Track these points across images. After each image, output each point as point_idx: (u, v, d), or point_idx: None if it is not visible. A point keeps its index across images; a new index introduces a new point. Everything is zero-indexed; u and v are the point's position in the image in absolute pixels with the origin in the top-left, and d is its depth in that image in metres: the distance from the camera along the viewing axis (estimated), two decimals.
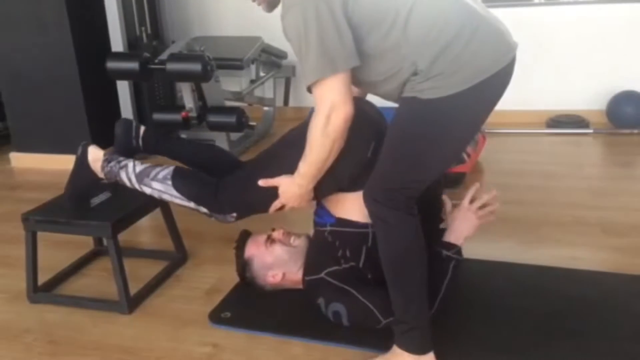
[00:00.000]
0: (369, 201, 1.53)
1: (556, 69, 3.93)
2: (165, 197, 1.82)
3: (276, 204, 1.76)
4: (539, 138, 3.72)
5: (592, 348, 1.66)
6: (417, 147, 1.46)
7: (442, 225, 1.84)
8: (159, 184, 1.81)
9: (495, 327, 1.77)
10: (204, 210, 1.80)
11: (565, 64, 3.91)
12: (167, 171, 1.82)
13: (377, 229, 1.55)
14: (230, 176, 1.85)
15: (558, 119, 3.86)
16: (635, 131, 3.67)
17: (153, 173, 1.83)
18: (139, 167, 1.85)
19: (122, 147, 1.98)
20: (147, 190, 1.83)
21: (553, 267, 2.09)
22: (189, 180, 1.83)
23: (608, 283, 1.98)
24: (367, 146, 1.69)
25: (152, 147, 2.02)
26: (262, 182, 1.73)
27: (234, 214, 1.81)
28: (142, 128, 2.00)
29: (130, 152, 1.99)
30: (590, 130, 3.74)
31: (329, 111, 1.39)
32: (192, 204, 1.80)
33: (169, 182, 1.80)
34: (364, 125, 1.73)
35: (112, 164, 1.87)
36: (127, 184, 1.86)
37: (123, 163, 1.87)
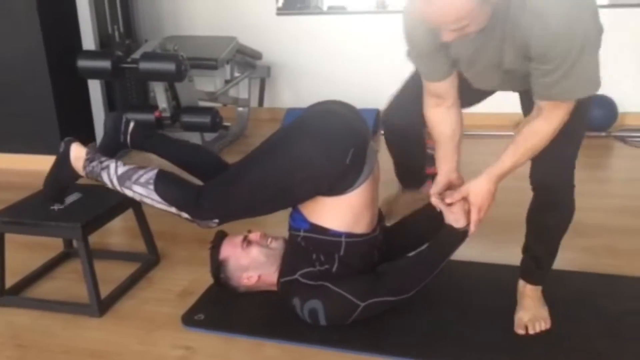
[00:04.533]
0: (558, 180, 1.68)
1: None
2: (147, 200, 1.80)
3: (475, 218, 1.67)
4: (510, 140, 3.75)
5: (564, 345, 1.70)
6: (584, 121, 1.62)
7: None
8: (141, 188, 1.79)
9: (469, 327, 1.80)
10: (185, 215, 1.78)
11: None
12: (150, 175, 1.80)
13: (558, 201, 1.70)
14: (211, 181, 1.84)
15: None
16: (603, 134, 3.76)
17: (135, 176, 1.80)
18: (121, 169, 1.83)
19: (110, 141, 1.97)
20: (129, 193, 1.81)
21: None
22: (171, 185, 1.80)
23: (578, 282, 2.03)
24: (346, 153, 1.69)
25: (140, 144, 2.02)
26: (448, 200, 1.69)
27: (216, 220, 1.79)
28: (132, 124, 2.00)
29: (117, 148, 1.98)
30: None
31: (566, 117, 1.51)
32: (173, 209, 1.78)
33: (151, 187, 1.78)
34: (344, 132, 1.75)
35: (94, 163, 1.85)
36: (109, 185, 1.84)
37: (105, 164, 1.84)
